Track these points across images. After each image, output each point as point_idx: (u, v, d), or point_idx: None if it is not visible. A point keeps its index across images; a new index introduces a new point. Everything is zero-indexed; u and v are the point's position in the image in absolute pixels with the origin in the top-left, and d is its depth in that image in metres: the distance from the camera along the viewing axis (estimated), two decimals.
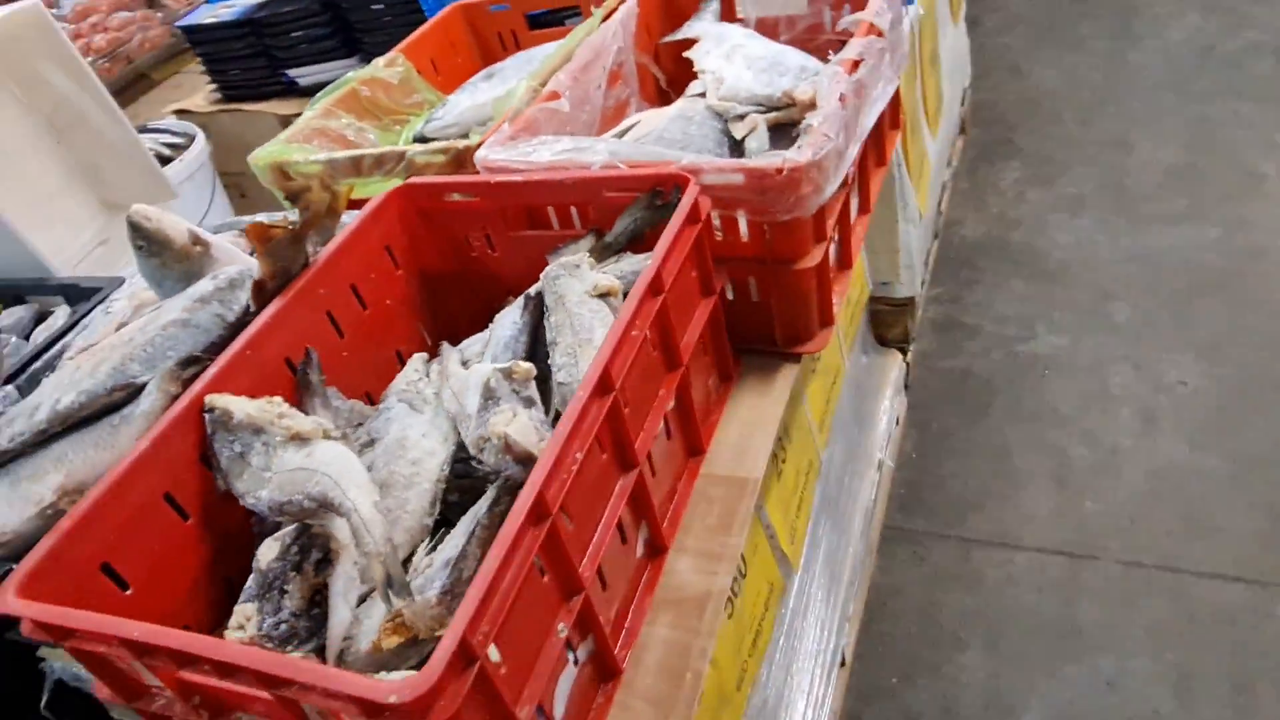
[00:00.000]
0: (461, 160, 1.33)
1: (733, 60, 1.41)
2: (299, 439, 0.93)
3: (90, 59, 3.18)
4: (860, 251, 1.73)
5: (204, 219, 2.10)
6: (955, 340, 2.41)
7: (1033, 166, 2.94)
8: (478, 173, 1.24)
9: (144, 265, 1.20)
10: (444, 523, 0.98)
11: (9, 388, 1.29)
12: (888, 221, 1.96)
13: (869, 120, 1.25)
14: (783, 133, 1.31)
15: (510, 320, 1.07)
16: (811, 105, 1.22)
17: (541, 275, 1.08)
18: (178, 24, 2.50)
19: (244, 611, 0.83)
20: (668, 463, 1.07)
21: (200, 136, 2.25)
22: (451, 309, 1.32)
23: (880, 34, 1.32)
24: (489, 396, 0.91)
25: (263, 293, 1.10)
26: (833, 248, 1.30)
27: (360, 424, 1.11)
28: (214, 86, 2.51)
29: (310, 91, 1.98)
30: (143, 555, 0.91)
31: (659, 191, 1.10)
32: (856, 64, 1.23)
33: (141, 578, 0.91)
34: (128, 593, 0.89)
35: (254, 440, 0.95)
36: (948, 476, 2.06)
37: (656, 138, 1.30)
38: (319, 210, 1.08)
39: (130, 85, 3.86)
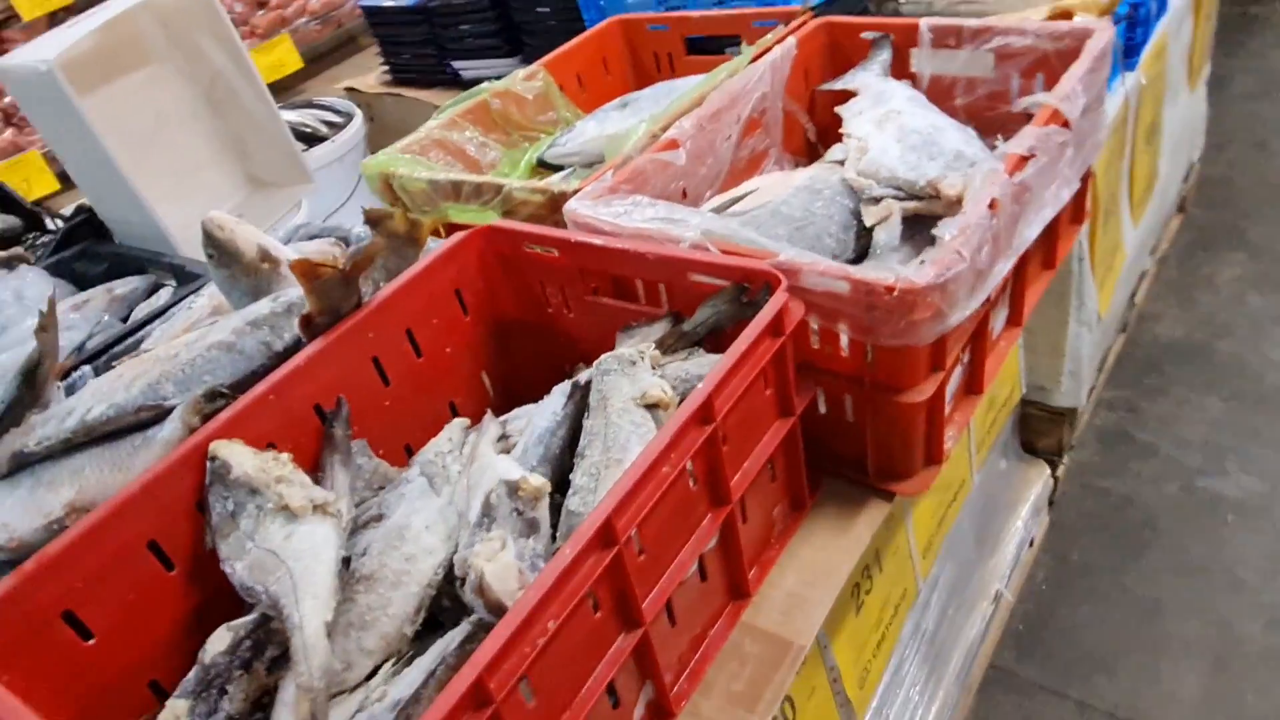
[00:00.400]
0: (558, 204, 1.21)
1: (884, 128, 1.21)
2: (288, 511, 0.85)
3: (304, 20, 3.34)
4: (1009, 360, 1.49)
5: (343, 206, 2.10)
6: (1122, 458, 2.08)
7: (1262, 264, 2.51)
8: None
9: (214, 274, 1.16)
10: (437, 625, 0.87)
11: (86, 368, 1.29)
12: (1054, 321, 1.69)
13: (1031, 231, 1.03)
14: (924, 227, 1.10)
15: (551, 409, 0.95)
16: (957, 204, 1.02)
17: (596, 362, 0.95)
18: (360, 3, 2.53)
19: (174, 709, 0.75)
20: (699, 606, 0.91)
21: (357, 118, 2.26)
22: (524, 360, 1.21)
23: (1066, 124, 1.08)
24: (486, 513, 0.79)
25: (310, 327, 1.03)
26: (958, 371, 1.09)
27: (382, 487, 1.02)
28: (386, 68, 2.53)
29: (472, 84, 1.92)
30: (114, 605, 0.85)
31: (745, 287, 0.93)
32: (1024, 161, 1.01)
33: (109, 629, 0.85)
34: (89, 643, 0.84)
35: (248, 501, 0.87)
36: (1080, 623, 1.76)
37: (772, 212, 1.13)
38: (373, 252, 0.99)
39: (337, 48, 4.05)
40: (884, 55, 1.44)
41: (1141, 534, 1.92)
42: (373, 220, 1.18)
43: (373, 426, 1.06)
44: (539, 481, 0.80)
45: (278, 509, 0.85)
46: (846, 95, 1.41)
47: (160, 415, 1.00)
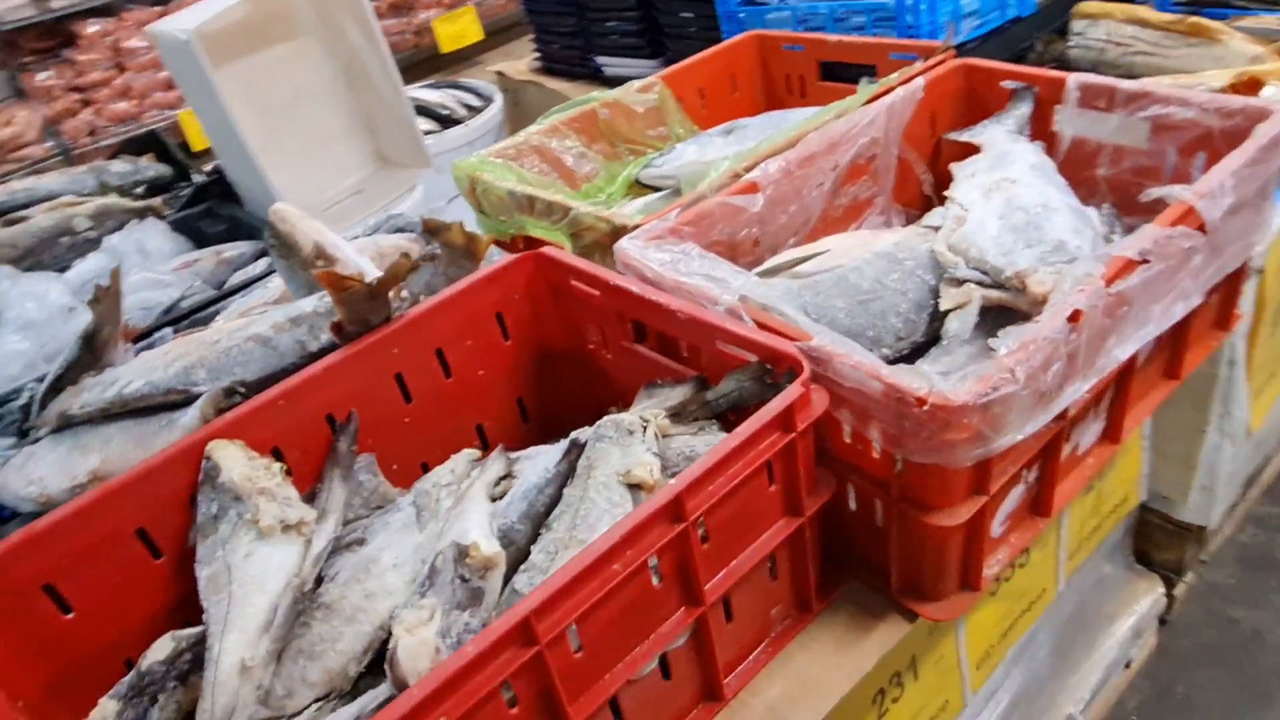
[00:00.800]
0: (619, 235, 1.16)
1: (990, 199, 1.08)
2: (257, 526, 0.84)
3: None
4: (1126, 463, 1.32)
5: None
6: (1265, 586, 1.81)
7: None
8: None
9: (276, 263, 1.18)
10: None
11: (167, 330, 1.35)
12: (1189, 428, 1.47)
13: (1124, 350, 0.88)
14: (1010, 320, 0.97)
15: (545, 464, 0.89)
16: (1042, 304, 0.89)
17: (597, 424, 0.89)
18: None
19: (104, 709, 0.76)
20: (658, 707, 0.84)
21: (496, 104, 2.27)
22: (569, 391, 1.17)
23: (1201, 228, 0.92)
24: (430, 575, 0.75)
25: (341, 334, 1.02)
26: (1019, 489, 0.95)
27: (380, 506, 1.00)
28: (537, 55, 2.53)
29: (612, 82, 1.89)
30: (97, 584, 0.88)
31: (767, 368, 0.85)
32: (1131, 266, 0.87)
33: (90, 606, 0.88)
34: (68, 616, 0.87)
35: (230, 507, 0.87)
36: None
37: (839, 279, 1.02)
38: (399, 272, 0.97)
39: (515, 25, 4.13)
40: (1022, 109, 1.29)
41: (1270, 681, 1.66)
42: (431, 230, 1.16)
43: (389, 443, 1.04)
44: (490, 551, 0.76)
45: (252, 521, 0.84)
46: (971, 149, 1.27)
47: (187, 400, 1.03)
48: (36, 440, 1.08)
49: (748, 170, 1.16)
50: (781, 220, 1.17)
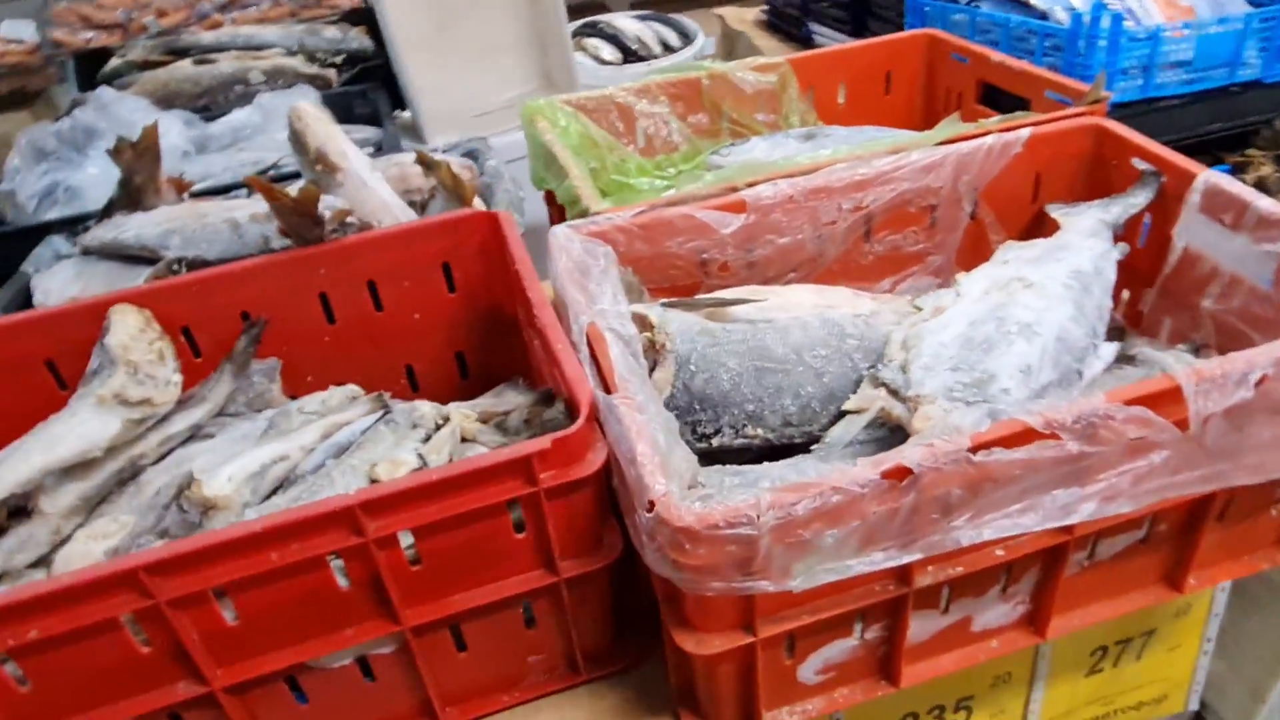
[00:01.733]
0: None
1: (987, 297, 0.87)
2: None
3: None
4: (1167, 656, 1.08)
5: None
6: None
7: None
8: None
9: (295, 156, 1.23)
10: None
11: (242, 191, 1.47)
12: (1272, 648, 1.14)
13: (973, 534, 0.69)
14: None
15: (364, 424, 0.87)
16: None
17: (405, 405, 0.85)
18: None
19: None
20: (361, 706, 0.81)
21: (695, 47, 2.18)
22: (511, 356, 1.13)
23: (1181, 424, 0.68)
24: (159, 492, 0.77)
25: (286, 238, 1.06)
26: (851, 643, 0.79)
27: (260, 411, 1.04)
28: (765, 7, 2.38)
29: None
30: (4, 396, 0.99)
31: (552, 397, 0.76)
32: (1029, 438, 0.66)
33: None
34: None
35: (105, 368, 0.94)
36: None
37: (751, 335, 0.88)
38: (309, 195, 0.97)
39: None
40: (1139, 199, 1.02)
41: None
42: (424, 163, 1.16)
43: (305, 358, 1.07)
44: (213, 493, 0.76)
45: (101, 385, 0.91)
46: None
47: (152, 261, 1.12)
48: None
49: (750, 186, 1.03)
50: (767, 251, 1.03)
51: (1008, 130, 1.08)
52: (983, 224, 1.12)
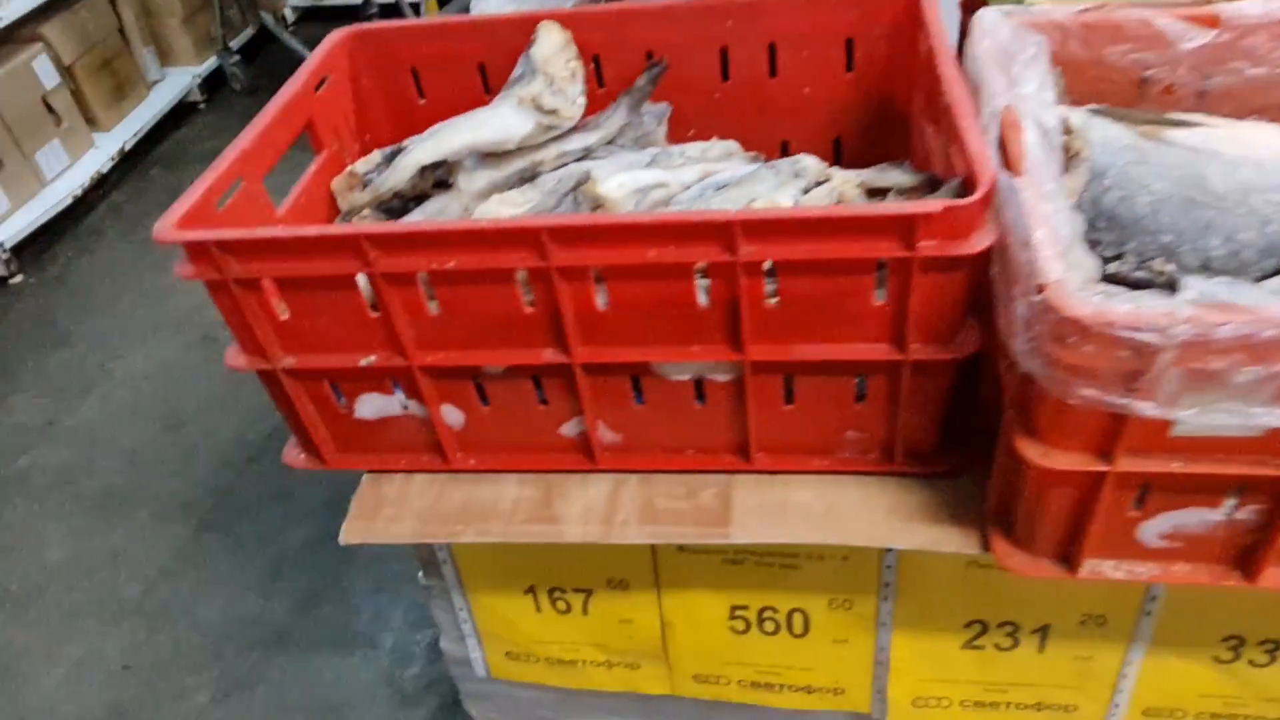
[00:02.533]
0: None
1: None
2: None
3: None
4: None
5: None
6: None
7: None
8: None
9: None
10: None
11: None
12: None
13: None
14: None
15: (742, 169, 0.88)
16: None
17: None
18: None
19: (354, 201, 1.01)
20: (687, 421, 0.87)
21: None
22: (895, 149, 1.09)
23: None
24: (557, 185, 0.84)
25: None
26: (1210, 515, 0.71)
27: (638, 141, 1.08)
28: None
29: None
30: (445, 86, 1.10)
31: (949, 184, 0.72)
32: None
33: (439, 95, 1.12)
34: (421, 102, 1.13)
35: (527, 73, 1.03)
36: None
37: (1188, 162, 0.76)
38: None
39: None
40: None
41: None
42: None
43: (693, 108, 1.09)
44: (605, 192, 0.82)
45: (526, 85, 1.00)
46: None
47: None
48: None
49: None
50: (1231, 80, 0.88)
51: None
52: None
